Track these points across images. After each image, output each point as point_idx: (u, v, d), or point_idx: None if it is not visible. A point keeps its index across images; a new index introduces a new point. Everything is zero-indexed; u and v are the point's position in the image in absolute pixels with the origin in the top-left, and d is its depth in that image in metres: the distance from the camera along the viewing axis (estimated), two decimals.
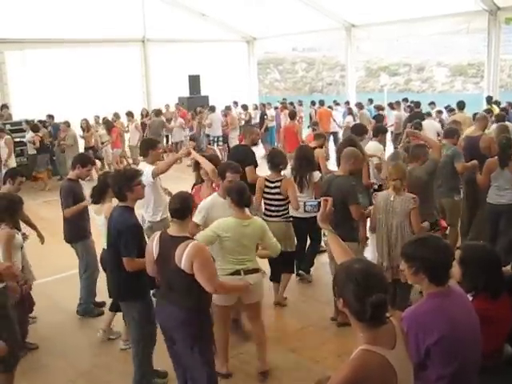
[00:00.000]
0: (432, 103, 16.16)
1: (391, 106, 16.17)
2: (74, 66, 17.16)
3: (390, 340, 2.24)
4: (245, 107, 18.56)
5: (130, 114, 15.98)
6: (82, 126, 14.66)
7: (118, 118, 16.04)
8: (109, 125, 14.75)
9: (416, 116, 13.16)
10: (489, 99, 13.65)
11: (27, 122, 14.62)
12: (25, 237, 5.32)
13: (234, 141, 17.14)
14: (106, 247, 5.10)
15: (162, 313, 3.97)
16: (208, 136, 16.94)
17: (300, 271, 6.79)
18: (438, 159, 6.32)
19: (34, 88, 16.01)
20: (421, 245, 2.86)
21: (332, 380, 2.16)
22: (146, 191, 4.78)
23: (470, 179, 7.11)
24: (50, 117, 15.35)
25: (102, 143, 14.80)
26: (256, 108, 18.95)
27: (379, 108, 15.56)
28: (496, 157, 6.52)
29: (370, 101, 17.87)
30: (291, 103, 18.70)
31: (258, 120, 17.81)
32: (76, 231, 5.93)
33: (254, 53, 22.70)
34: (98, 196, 5.27)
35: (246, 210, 4.73)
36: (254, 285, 4.44)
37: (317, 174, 6.51)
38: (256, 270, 4.61)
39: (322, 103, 17.44)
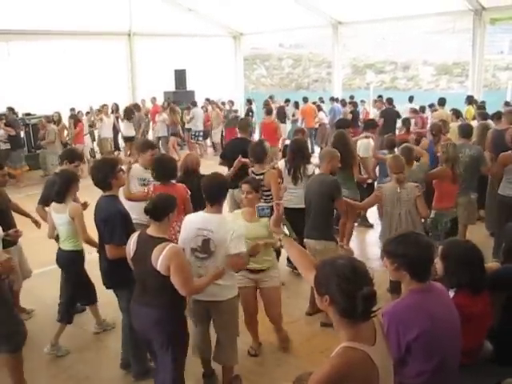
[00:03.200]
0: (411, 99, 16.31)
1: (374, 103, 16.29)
2: (60, 58, 16.95)
3: (370, 336, 2.23)
4: (231, 103, 18.53)
5: (102, 107, 15.82)
6: (53, 119, 14.26)
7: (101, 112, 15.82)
8: (75, 119, 14.53)
9: (388, 112, 13.33)
10: (471, 99, 13.74)
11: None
12: (16, 235, 5.12)
13: (216, 136, 17.18)
14: (62, 247, 5.21)
15: (137, 316, 3.95)
16: (189, 130, 16.94)
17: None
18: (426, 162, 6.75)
19: (19, 81, 15.79)
20: (402, 241, 2.89)
21: (314, 377, 2.15)
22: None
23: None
24: (10, 109, 14.78)
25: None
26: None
27: (343, 103, 16.24)
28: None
29: (351, 98, 17.87)
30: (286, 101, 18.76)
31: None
32: None
33: (241, 48, 22.64)
34: (63, 194, 5.09)
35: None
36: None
37: (311, 167, 6.49)
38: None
39: (305, 100, 17.48)
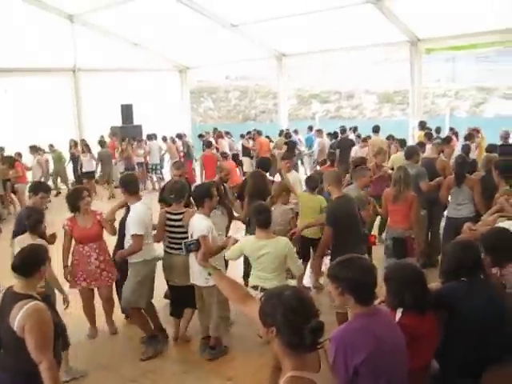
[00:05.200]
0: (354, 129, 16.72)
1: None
2: (3, 95, 16.66)
3: (315, 363, 2.24)
4: (179, 136, 18.52)
5: (33, 148, 15.57)
6: None
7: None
8: (9, 161, 13.98)
9: (344, 142, 13.73)
10: (423, 125, 14.17)
11: None
12: None
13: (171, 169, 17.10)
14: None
15: None
16: (142, 164, 16.89)
17: None
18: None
19: None
20: (346, 266, 2.94)
21: None
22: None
23: (430, 197, 7.59)
24: None
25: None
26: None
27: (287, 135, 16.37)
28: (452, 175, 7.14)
29: (310, 128, 18.16)
30: (227, 132, 18.88)
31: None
32: None
33: (187, 82, 22.76)
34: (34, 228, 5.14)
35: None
36: None
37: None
38: None
39: (259, 133, 17.49)
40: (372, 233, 7.48)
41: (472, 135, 12.47)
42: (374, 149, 10.77)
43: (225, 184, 7.41)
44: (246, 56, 19.04)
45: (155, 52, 20.13)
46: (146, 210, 5.52)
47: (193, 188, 5.70)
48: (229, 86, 42.85)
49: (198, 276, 5.28)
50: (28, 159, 15.49)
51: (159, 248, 5.98)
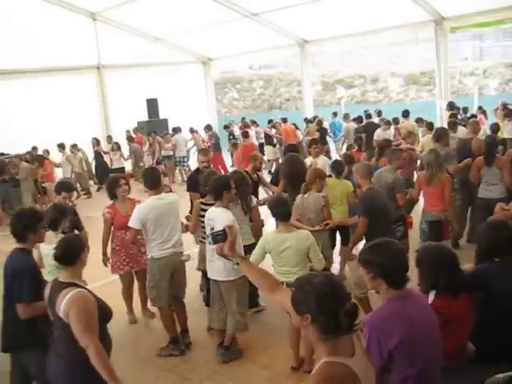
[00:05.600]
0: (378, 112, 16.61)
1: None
2: (29, 96, 16.91)
3: (349, 347, 2.24)
4: (208, 127, 18.61)
5: (61, 146, 15.87)
6: (26, 159, 14.32)
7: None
8: (39, 159, 14.32)
9: (370, 126, 13.62)
10: (452, 105, 14.01)
11: None
12: None
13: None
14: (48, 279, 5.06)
15: (49, 366, 3.62)
16: (170, 158, 17.03)
17: None
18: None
19: None
20: (377, 250, 2.92)
21: None
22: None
23: (463, 179, 7.59)
24: None
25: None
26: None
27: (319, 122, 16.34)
28: (482, 156, 7.10)
29: (334, 114, 18.19)
30: (253, 122, 18.95)
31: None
32: None
33: (211, 73, 22.76)
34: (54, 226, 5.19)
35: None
36: None
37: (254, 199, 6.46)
38: None
39: (285, 120, 17.63)
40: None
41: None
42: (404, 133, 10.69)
43: (258, 173, 7.45)
44: (269, 44, 18.92)
45: (177, 45, 20.18)
46: (152, 208, 5.39)
47: (211, 180, 5.44)
48: (253, 76, 42.74)
49: (220, 270, 5.05)
50: (57, 157, 15.79)
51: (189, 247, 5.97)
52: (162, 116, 19.28)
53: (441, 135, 7.85)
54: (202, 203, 5.84)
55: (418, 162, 8.50)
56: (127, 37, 18.58)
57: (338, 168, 7.02)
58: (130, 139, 17.04)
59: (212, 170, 6.72)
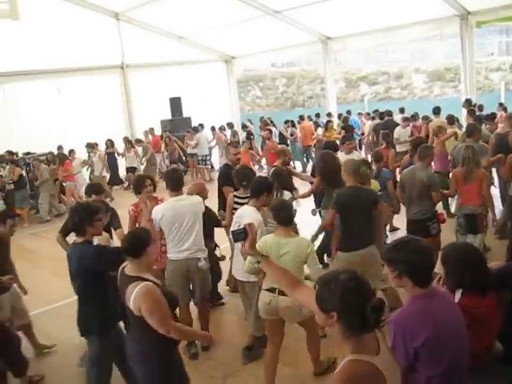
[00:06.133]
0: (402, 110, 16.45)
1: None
2: (54, 96, 17.14)
3: (374, 345, 2.22)
4: (230, 125, 18.64)
5: (90, 146, 15.99)
6: (47, 159, 14.55)
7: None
8: (60, 158, 14.50)
9: (389, 124, 13.43)
10: (469, 102, 13.80)
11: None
12: (10, 282, 5.26)
13: (220, 159, 17.32)
14: None
15: (127, 349, 3.83)
16: (193, 156, 17.11)
17: None
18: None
19: (16, 121, 15.90)
20: (402, 248, 2.88)
21: None
22: None
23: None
24: (10, 153, 14.90)
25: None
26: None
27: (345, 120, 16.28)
28: None
29: (348, 112, 18.18)
30: (271, 121, 18.97)
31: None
32: None
33: (233, 71, 22.81)
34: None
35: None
36: (287, 308, 4.37)
37: (287, 194, 6.48)
38: None
39: (302, 118, 17.62)
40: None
41: None
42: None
43: (288, 167, 7.59)
44: (291, 42, 18.87)
45: (200, 44, 20.26)
46: (167, 209, 5.42)
47: (254, 179, 5.53)
48: (275, 74, 42.60)
49: (241, 271, 5.03)
50: (83, 156, 15.95)
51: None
52: (185, 114, 19.38)
53: (473, 131, 7.88)
54: (235, 196, 5.97)
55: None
56: (150, 36, 18.71)
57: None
58: (137, 142, 17.17)
59: (245, 165, 6.88)
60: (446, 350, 2.74)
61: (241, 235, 3.05)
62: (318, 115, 18.69)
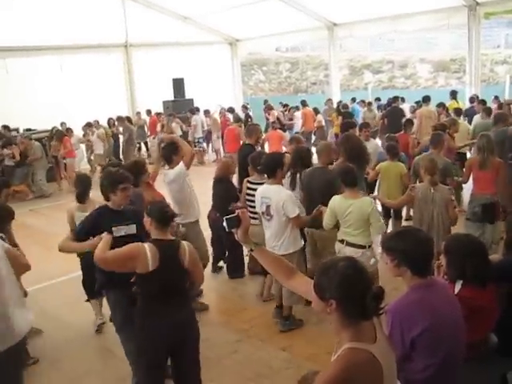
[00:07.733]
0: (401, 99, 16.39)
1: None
2: (57, 73, 17.06)
3: (371, 333, 2.22)
4: (231, 110, 18.58)
5: (88, 125, 15.95)
6: (51, 135, 14.56)
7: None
8: (58, 134, 14.41)
9: (394, 111, 13.36)
10: (453, 93, 14.08)
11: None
12: None
13: (216, 143, 17.29)
14: None
15: (163, 327, 3.70)
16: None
17: None
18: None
19: (18, 96, 15.84)
20: (402, 237, 2.89)
21: (320, 379, 2.14)
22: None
23: None
24: (5, 127, 14.84)
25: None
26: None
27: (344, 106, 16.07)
28: None
29: (353, 99, 18.08)
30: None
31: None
32: None
33: (238, 54, 22.70)
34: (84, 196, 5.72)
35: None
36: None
37: None
38: (358, 246, 4.98)
39: (304, 104, 17.52)
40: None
41: None
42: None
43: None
44: (297, 27, 18.75)
45: (205, 25, 20.14)
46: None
47: (264, 159, 5.59)
48: (279, 58, 42.34)
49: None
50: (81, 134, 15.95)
51: None
52: (187, 96, 19.29)
53: (498, 119, 8.08)
54: (249, 181, 6.12)
55: None
56: (155, 15, 18.62)
57: (393, 150, 7.38)
58: (118, 120, 16.68)
59: (261, 150, 7.12)
60: (442, 341, 2.74)
61: (234, 222, 2.94)
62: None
